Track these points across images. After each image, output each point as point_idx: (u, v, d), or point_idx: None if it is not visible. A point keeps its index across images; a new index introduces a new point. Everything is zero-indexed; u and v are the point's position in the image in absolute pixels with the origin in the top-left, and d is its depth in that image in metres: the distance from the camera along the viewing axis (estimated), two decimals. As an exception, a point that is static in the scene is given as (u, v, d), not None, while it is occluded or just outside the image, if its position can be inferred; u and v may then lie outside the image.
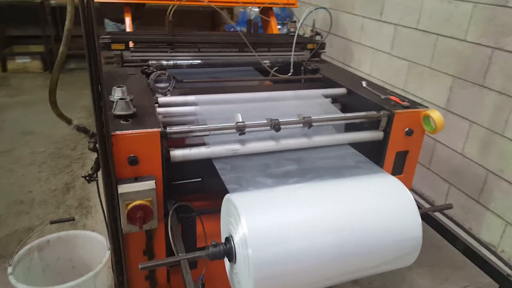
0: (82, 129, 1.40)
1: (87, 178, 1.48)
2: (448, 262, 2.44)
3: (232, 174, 1.52)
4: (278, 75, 2.41)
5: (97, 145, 1.40)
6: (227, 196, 1.38)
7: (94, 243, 1.81)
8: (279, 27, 3.59)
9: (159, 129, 1.46)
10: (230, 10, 6.79)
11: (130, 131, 1.43)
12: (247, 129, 1.61)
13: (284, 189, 1.42)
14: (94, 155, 3.42)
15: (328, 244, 1.28)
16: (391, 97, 1.99)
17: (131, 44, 2.34)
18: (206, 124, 1.64)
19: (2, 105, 4.55)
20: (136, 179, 1.46)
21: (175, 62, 2.33)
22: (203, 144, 1.65)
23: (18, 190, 2.92)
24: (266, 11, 3.25)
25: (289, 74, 2.48)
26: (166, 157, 1.52)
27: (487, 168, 2.54)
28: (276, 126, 1.64)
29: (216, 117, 1.73)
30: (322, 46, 2.71)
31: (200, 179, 1.79)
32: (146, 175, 1.49)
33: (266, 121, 1.67)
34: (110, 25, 4.41)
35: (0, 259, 2.26)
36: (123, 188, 1.40)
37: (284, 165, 1.65)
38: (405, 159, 1.98)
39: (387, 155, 1.92)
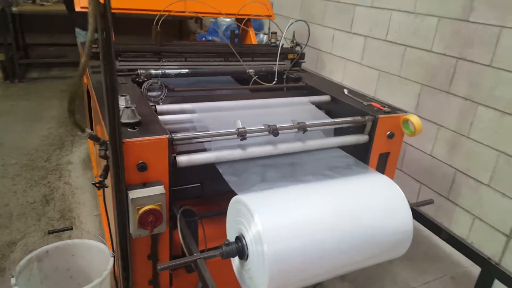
0: (94, 137, 1.42)
1: (97, 185, 1.49)
2: (425, 255, 2.63)
3: (235, 177, 1.59)
4: (262, 83, 2.52)
5: (107, 152, 1.43)
6: (236, 197, 1.45)
7: (93, 252, 1.81)
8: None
9: (167, 136, 1.52)
10: (199, 20, 6.86)
11: (139, 138, 1.47)
12: (247, 135, 1.70)
13: (288, 189, 1.51)
14: (71, 166, 3.40)
15: (333, 238, 1.39)
16: (373, 103, 2.16)
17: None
18: (208, 131, 1.71)
19: (-39, 117, 4.34)
20: (145, 185, 1.50)
21: (163, 71, 2.38)
22: (203, 150, 1.72)
23: (-7, 204, 2.82)
24: (241, 21, 3.35)
25: (273, 82, 2.60)
26: (172, 163, 1.57)
27: (455, 168, 2.78)
28: (274, 131, 1.74)
29: (214, 123, 1.81)
30: (302, 56, 2.85)
31: (199, 184, 1.85)
32: (153, 181, 1.53)
33: (264, 127, 1.76)
34: (81, 34, 4.35)
35: (-15, 275, 2.18)
36: (134, 194, 1.44)
37: (281, 168, 1.75)
38: (387, 160, 2.15)
39: (371, 157, 2.07)
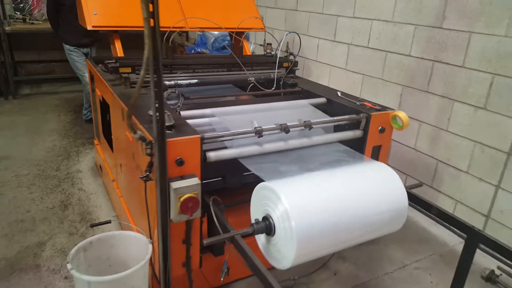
0: (142, 138, 1.66)
1: (145, 178, 1.73)
2: (415, 238, 2.95)
3: (258, 168, 1.87)
4: (263, 89, 2.82)
5: (152, 150, 1.68)
6: (261, 184, 1.72)
7: (129, 241, 2.03)
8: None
9: (199, 135, 1.78)
10: (184, 33, 7.12)
11: (178, 138, 1.73)
12: (263, 133, 1.98)
13: (304, 176, 1.79)
14: (81, 174, 3.62)
15: (345, 214, 1.68)
16: (365, 103, 2.48)
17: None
18: (230, 130, 1.98)
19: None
20: (182, 177, 1.76)
21: (176, 81, 2.64)
22: (224, 147, 1.99)
23: (14, 211, 2.97)
24: (238, 34, 3.64)
25: (273, 88, 2.90)
26: (203, 158, 1.83)
27: (436, 158, 3.12)
28: (285, 129, 2.03)
29: (231, 124, 2.08)
30: (295, 64, 3.16)
31: (220, 178, 2.12)
32: (188, 174, 1.79)
33: (276, 126, 2.05)
34: (72, 50, 4.51)
35: (22, 272, 2.37)
36: (176, 184, 1.69)
37: (293, 159, 2.04)
38: (379, 152, 2.47)
39: (366, 149, 2.38)
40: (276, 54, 3.11)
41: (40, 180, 3.48)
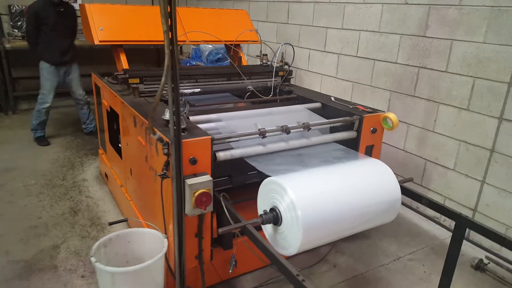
0: (160, 139, 1.83)
1: (162, 176, 1.90)
2: (407, 232, 3.14)
3: (263, 166, 2.05)
4: (261, 96, 3.02)
5: (169, 150, 1.85)
6: (268, 179, 1.90)
7: (144, 238, 2.18)
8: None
9: (210, 136, 1.96)
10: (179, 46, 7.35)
11: (191, 139, 1.91)
12: (266, 134, 2.17)
13: (307, 171, 1.98)
14: (87, 183, 3.76)
15: (346, 205, 1.86)
16: (357, 106, 2.69)
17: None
18: (236, 132, 2.16)
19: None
20: (195, 175, 1.93)
21: (180, 91, 2.82)
22: (230, 148, 2.17)
23: (26, 218, 3.10)
24: (236, 46, 3.85)
25: (270, 95, 3.11)
26: (213, 158, 2.01)
27: (425, 158, 3.34)
28: (286, 130, 2.23)
29: (238, 127, 2.26)
30: (290, 73, 3.38)
31: (227, 177, 2.30)
32: (201, 172, 1.96)
33: (277, 127, 2.24)
34: (47, 68, 4.52)
35: (41, 272, 2.50)
36: (190, 181, 1.86)
37: (294, 158, 2.23)
38: (372, 151, 2.67)
39: (360, 149, 2.58)
40: (272, 64, 3.32)
41: (48, 189, 3.61)
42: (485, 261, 2.76)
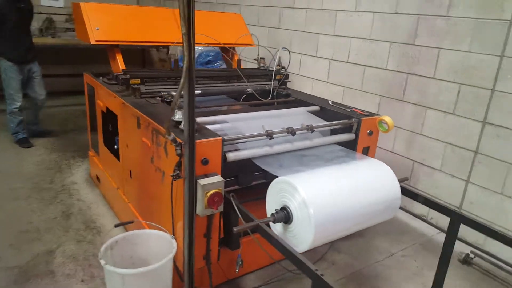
0: (173, 140, 1.85)
1: (174, 177, 1.92)
2: (398, 230, 3.27)
3: (271, 166, 2.11)
4: (261, 98, 3.08)
5: (182, 151, 1.87)
6: (278, 178, 1.96)
7: (150, 239, 2.18)
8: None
9: (221, 137, 2.00)
10: (161, 48, 7.31)
11: (203, 140, 1.94)
12: (273, 135, 2.23)
13: (315, 171, 2.05)
14: (77, 186, 3.70)
15: (352, 203, 1.94)
16: (354, 109, 2.79)
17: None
18: (244, 133, 2.21)
19: None
20: (207, 175, 1.96)
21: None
22: (237, 149, 2.21)
23: (16, 222, 3.01)
24: (229, 49, 3.90)
25: (269, 98, 3.17)
26: (224, 158, 2.05)
27: (412, 159, 3.49)
28: (292, 131, 2.29)
29: (244, 128, 2.31)
30: (286, 77, 3.46)
31: (233, 178, 2.33)
32: (211, 173, 2.00)
33: (283, 129, 2.31)
34: (10, 66, 4.33)
35: (38, 277, 2.44)
36: (203, 181, 1.89)
37: (299, 158, 2.30)
38: (368, 152, 2.77)
39: (357, 150, 2.68)
40: (270, 67, 3.39)
41: (36, 192, 3.52)
42: (471, 255, 2.92)
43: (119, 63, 3.26)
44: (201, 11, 3.98)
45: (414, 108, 3.40)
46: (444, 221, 3.26)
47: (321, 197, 1.87)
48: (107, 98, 3.01)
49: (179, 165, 1.93)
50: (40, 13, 6.59)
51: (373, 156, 2.80)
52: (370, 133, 2.69)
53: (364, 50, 3.78)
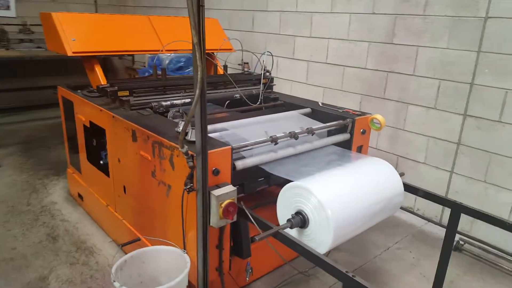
0: (185, 153, 1.79)
1: (188, 189, 1.86)
2: (387, 224, 3.36)
3: (280, 171, 2.10)
4: (251, 104, 3.06)
5: (194, 162, 1.82)
6: (290, 184, 1.95)
7: (159, 256, 2.10)
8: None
9: (230, 146, 1.97)
10: (124, 56, 7.09)
11: (214, 150, 1.90)
12: (278, 140, 2.22)
13: (323, 173, 2.06)
14: (58, 206, 3.54)
15: (364, 200, 1.98)
16: (346, 110, 2.84)
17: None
18: (248, 140, 2.18)
19: None
20: (218, 186, 1.92)
21: (171, 102, 2.77)
22: (242, 157, 2.18)
23: (-2, 250, 2.82)
24: (208, 55, 3.85)
25: (258, 102, 3.16)
26: (233, 167, 2.02)
27: (396, 154, 3.60)
28: (295, 136, 2.30)
29: (246, 134, 2.28)
30: (272, 80, 3.46)
31: (238, 186, 2.30)
32: (222, 183, 1.96)
33: (285, 134, 2.30)
34: None
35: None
36: (216, 192, 1.85)
37: (302, 161, 2.30)
38: (361, 151, 2.83)
39: (352, 150, 2.73)
40: (254, 72, 3.38)
41: (13, 216, 3.30)
42: (461, 242, 3.06)
43: (99, 75, 3.13)
44: (176, 17, 3.92)
45: (396, 105, 3.52)
46: (433, 211, 3.40)
47: (336, 198, 1.88)
48: (91, 112, 2.87)
49: (190, 178, 1.87)
50: (-9, 24, 6.22)
51: (366, 154, 2.87)
52: (363, 132, 2.75)
53: (343, 50, 3.86)
